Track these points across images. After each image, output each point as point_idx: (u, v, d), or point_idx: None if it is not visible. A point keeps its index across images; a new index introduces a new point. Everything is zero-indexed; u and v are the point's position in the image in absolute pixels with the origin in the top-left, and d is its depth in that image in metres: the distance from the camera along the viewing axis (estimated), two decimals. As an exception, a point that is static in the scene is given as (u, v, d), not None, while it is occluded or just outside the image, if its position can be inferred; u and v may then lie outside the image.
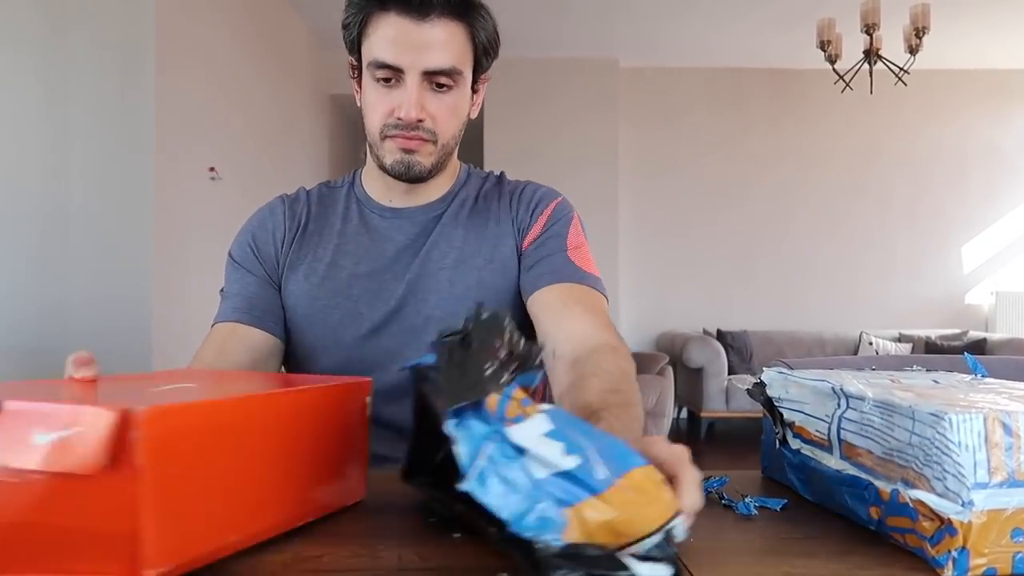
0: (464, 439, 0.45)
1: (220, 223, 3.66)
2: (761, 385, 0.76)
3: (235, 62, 3.90)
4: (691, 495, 0.50)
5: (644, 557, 0.44)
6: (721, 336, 5.53)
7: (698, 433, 5.27)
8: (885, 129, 6.01)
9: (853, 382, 0.66)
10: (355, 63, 0.98)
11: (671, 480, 0.50)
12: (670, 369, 4.70)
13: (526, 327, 0.97)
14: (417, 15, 0.90)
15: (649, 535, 0.44)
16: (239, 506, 0.53)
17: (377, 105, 0.94)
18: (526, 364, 0.49)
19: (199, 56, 3.43)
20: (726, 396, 5.07)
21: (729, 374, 5.16)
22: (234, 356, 0.98)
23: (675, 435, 5.02)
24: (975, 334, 5.52)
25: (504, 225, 1.04)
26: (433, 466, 0.57)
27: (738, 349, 5.44)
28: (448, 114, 0.95)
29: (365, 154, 1.06)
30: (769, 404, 0.75)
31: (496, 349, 0.48)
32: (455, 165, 1.09)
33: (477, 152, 6.07)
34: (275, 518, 0.57)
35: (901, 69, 4.29)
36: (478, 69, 0.99)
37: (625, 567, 0.43)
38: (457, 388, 0.46)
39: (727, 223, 6.02)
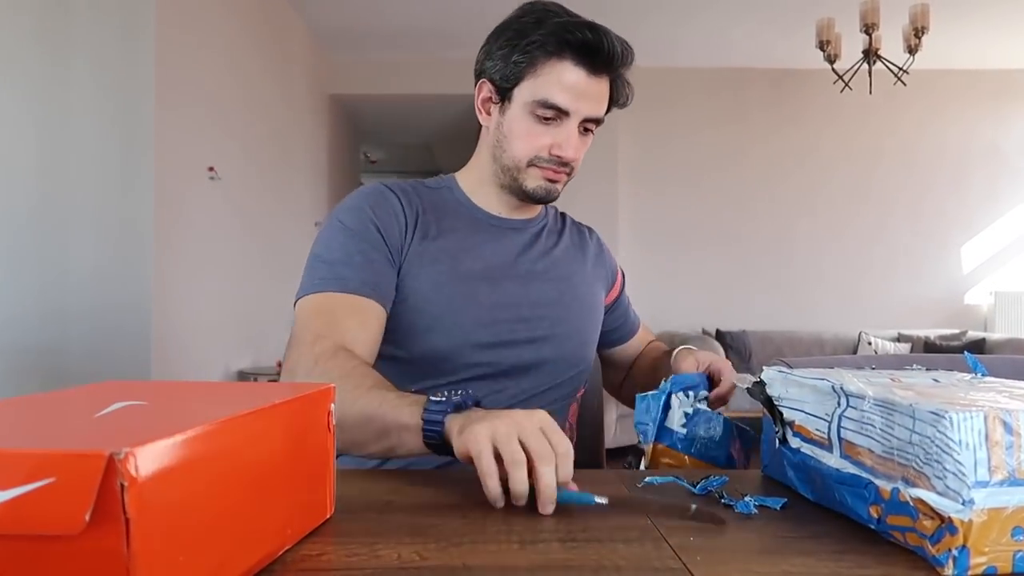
0: None
1: (220, 223, 3.66)
2: (761, 384, 0.76)
3: (234, 62, 3.90)
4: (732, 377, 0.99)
5: None
6: (720, 336, 5.53)
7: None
8: (885, 130, 6.01)
9: (853, 381, 0.66)
10: (495, 89, 1.05)
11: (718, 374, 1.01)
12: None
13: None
14: (593, 71, 1.01)
15: None
16: (227, 543, 0.47)
17: (531, 138, 1.03)
18: None
19: (199, 56, 3.43)
20: (725, 396, 5.06)
21: (728, 374, 5.16)
22: (371, 330, 0.98)
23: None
24: (974, 334, 5.52)
25: (593, 265, 1.21)
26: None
27: (737, 349, 5.45)
28: (583, 153, 1.07)
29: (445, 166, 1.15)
30: (769, 403, 0.75)
31: None
32: None
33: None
34: (261, 551, 0.51)
35: (900, 69, 4.29)
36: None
37: None
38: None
39: (726, 222, 6.02)
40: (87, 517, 0.36)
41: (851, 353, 5.62)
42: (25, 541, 0.37)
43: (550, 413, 1.06)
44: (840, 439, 0.64)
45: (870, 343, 5.57)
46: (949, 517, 0.51)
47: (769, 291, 6.01)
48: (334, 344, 0.92)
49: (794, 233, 6.03)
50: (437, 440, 0.74)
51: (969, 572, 0.51)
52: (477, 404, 0.76)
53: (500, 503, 0.66)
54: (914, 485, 0.55)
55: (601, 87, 1.03)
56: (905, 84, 4.58)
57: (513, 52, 1.01)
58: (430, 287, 1.03)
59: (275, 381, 3.70)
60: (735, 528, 0.64)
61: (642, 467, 0.93)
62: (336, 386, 0.79)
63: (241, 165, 3.94)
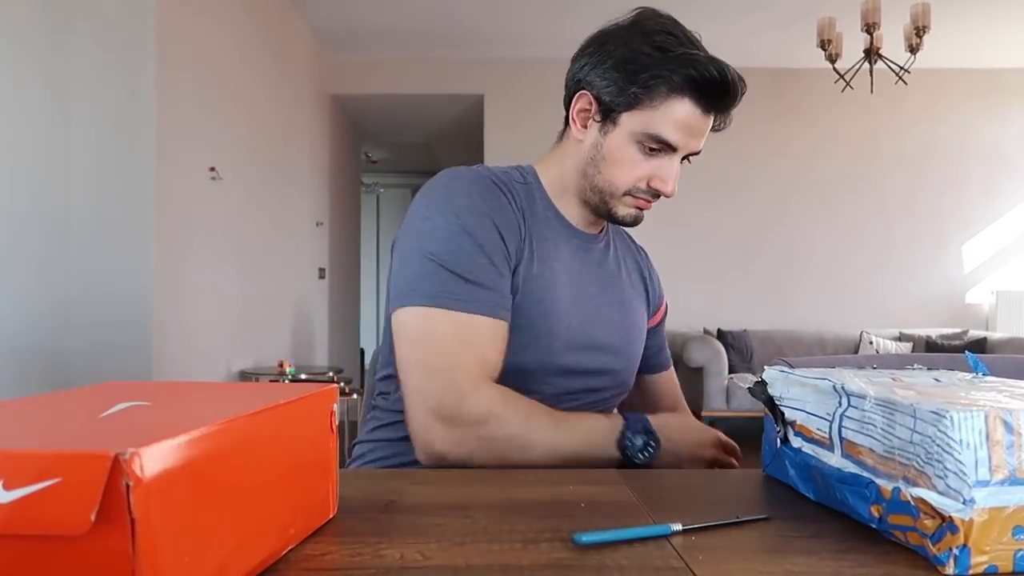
0: None
1: (221, 223, 3.67)
2: (762, 384, 0.76)
3: (236, 62, 3.90)
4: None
5: None
6: (721, 335, 5.53)
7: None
8: (886, 129, 6.01)
9: (854, 380, 0.66)
10: (599, 106, 1.00)
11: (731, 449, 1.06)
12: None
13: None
14: (708, 109, 0.97)
15: None
16: (230, 543, 0.47)
17: (633, 168, 1.00)
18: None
19: (200, 56, 3.43)
20: (727, 395, 5.07)
21: (730, 373, 5.17)
22: (503, 353, 0.96)
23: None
24: (975, 333, 5.52)
25: (639, 287, 1.19)
26: None
27: (738, 348, 5.45)
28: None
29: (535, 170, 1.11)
30: (770, 402, 0.75)
31: None
32: None
33: (477, 154, 6.07)
34: (264, 551, 0.51)
35: (902, 68, 4.29)
36: None
37: None
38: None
39: (727, 222, 6.02)
40: (93, 517, 0.35)
41: (852, 353, 5.63)
42: (31, 541, 0.37)
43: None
44: (841, 439, 0.64)
45: (871, 342, 5.57)
46: (950, 516, 0.51)
47: (770, 291, 6.01)
48: (490, 381, 0.93)
49: (796, 232, 6.03)
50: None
51: (970, 571, 0.51)
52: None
53: None
54: (915, 484, 0.55)
55: (709, 122, 1.00)
56: (906, 83, 4.58)
57: (632, 81, 0.96)
58: (532, 303, 0.99)
59: (276, 382, 3.70)
60: (737, 528, 0.64)
61: None
62: (524, 436, 0.90)
63: (243, 165, 3.95)
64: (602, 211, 1.04)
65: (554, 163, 1.08)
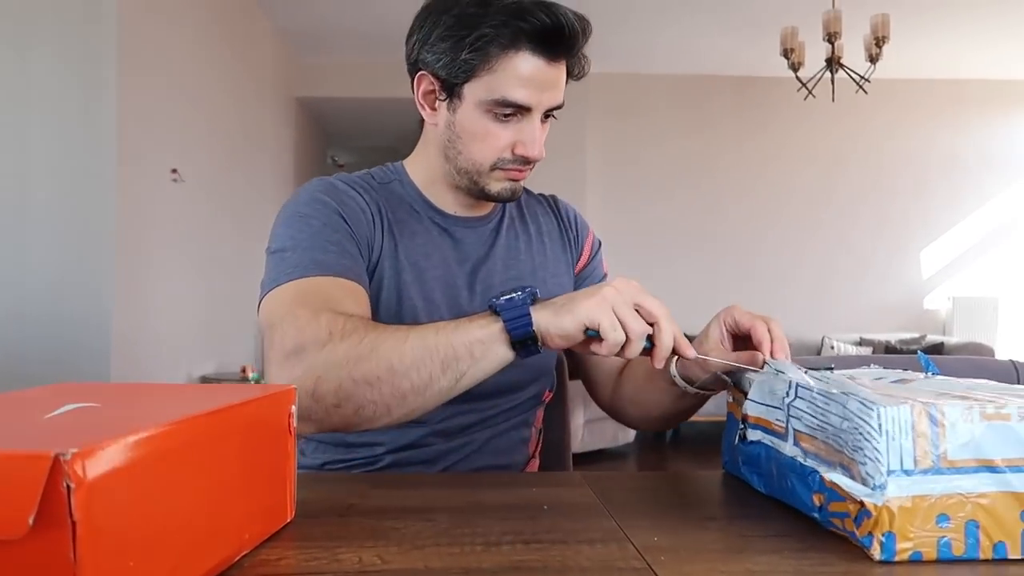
0: None
1: (184, 225, 3.60)
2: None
3: (199, 63, 3.84)
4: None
5: None
6: (688, 339, 5.57)
7: (663, 437, 5.30)
8: (848, 137, 6.12)
9: (800, 372, 0.68)
10: (440, 83, 0.93)
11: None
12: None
13: None
14: (552, 57, 0.89)
15: None
16: (179, 548, 0.45)
17: (491, 139, 0.93)
18: None
19: (162, 57, 3.37)
20: (692, 400, 5.10)
21: (695, 378, 5.20)
22: (367, 312, 0.88)
23: (640, 441, 5.05)
24: (933, 338, 5.64)
25: (557, 242, 1.11)
26: None
27: (704, 353, 5.49)
28: (544, 142, 0.96)
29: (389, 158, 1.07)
30: (739, 388, 0.77)
31: None
32: None
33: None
34: (216, 556, 0.50)
35: (862, 77, 4.37)
36: None
37: None
38: None
39: (693, 227, 6.08)
40: (31, 521, 0.34)
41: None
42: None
43: (515, 419, 1.06)
44: (791, 428, 0.65)
45: (832, 347, 5.66)
46: (861, 501, 0.54)
47: (736, 295, 6.05)
48: (337, 312, 0.81)
49: (760, 238, 6.11)
50: (528, 335, 0.73)
51: (896, 557, 0.53)
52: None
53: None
54: (848, 471, 0.57)
55: (560, 72, 0.92)
56: (867, 92, 4.67)
57: (460, 47, 0.89)
58: (396, 299, 0.95)
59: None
60: (698, 528, 0.64)
61: None
62: (370, 339, 0.75)
63: (206, 168, 3.89)
64: (475, 192, 0.98)
65: (419, 154, 1.04)
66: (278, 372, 0.79)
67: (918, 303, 6.18)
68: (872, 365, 0.76)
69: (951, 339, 5.61)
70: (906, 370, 0.70)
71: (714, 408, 1.40)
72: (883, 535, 0.53)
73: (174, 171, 3.42)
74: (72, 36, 2.89)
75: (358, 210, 0.95)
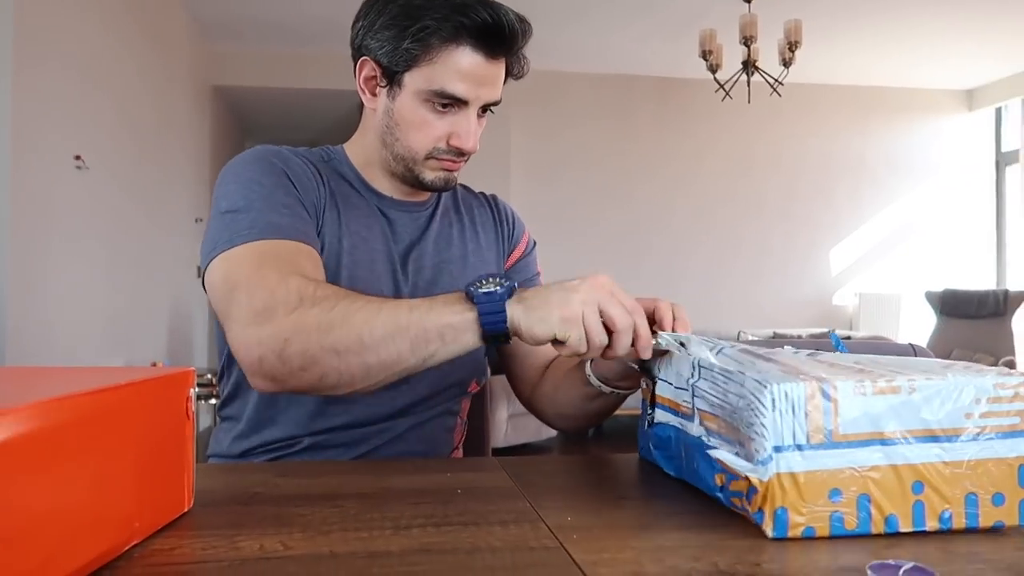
0: None
1: (88, 215, 3.43)
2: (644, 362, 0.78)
3: (106, 47, 3.66)
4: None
5: None
6: (609, 335, 5.65)
7: (584, 433, 5.36)
8: (762, 138, 6.32)
9: (703, 348, 0.69)
10: (381, 70, 0.94)
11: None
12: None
13: None
14: (491, 55, 0.92)
15: None
16: (56, 537, 0.42)
17: (427, 129, 0.95)
18: None
19: (64, 39, 3.20)
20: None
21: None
22: (322, 275, 0.88)
23: (564, 435, 5.09)
24: (841, 332, 5.89)
25: (491, 233, 1.13)
26: None
27: (625, 348, 5.58)
28: (479, 136, 0.99)
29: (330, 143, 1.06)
30: (648, 373, 0.77)
31: None
32: None
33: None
34: (100, 545, 0.46)
35: (776, 80, 4.52)
36: None
37: None
38: None
39: (612, 221, 6.16)
40: None
41: (731, 351, 5.87)
42: None
43: (440, 407, 1.04)
44: (696, 408, 0.66)
45: (749, 341, 5.84)
46: (746, 476, 0.55)
47: (651, 288, 6.18)
48: (306, 277, 0.80)
49: (678, 236, 6.24)
50: (501, 332, 0.72)
51: (789, 533, 0.54)
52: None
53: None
54: (745, 449, 0.57)
55: (499, 69, 0.95)
56: (780, 95, 4.82)
57: (403, 37, 0.91)
58: (335, 267, 0.95)
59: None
60: (611, 507, 0.64)
61: None
62: (341, 307, 0.75)
63: (113, 155, 3.71)
64: (409, 179, 0.99)
65: (358, 138, 1.05)
66: (243, 331, 0.78)
67: (828, 299, 6.43)
68: (785, 347, 0.77)
69: (857, 333, 5.87)
70: (819, 350, 0.71)
71: (633, 402, 1.42)
72: (775, 511, 0.53)
73: (78, 157, 3.25)
74: (-36, 11, 2.71)
75: (305, 176, 0.96)
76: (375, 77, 0.96)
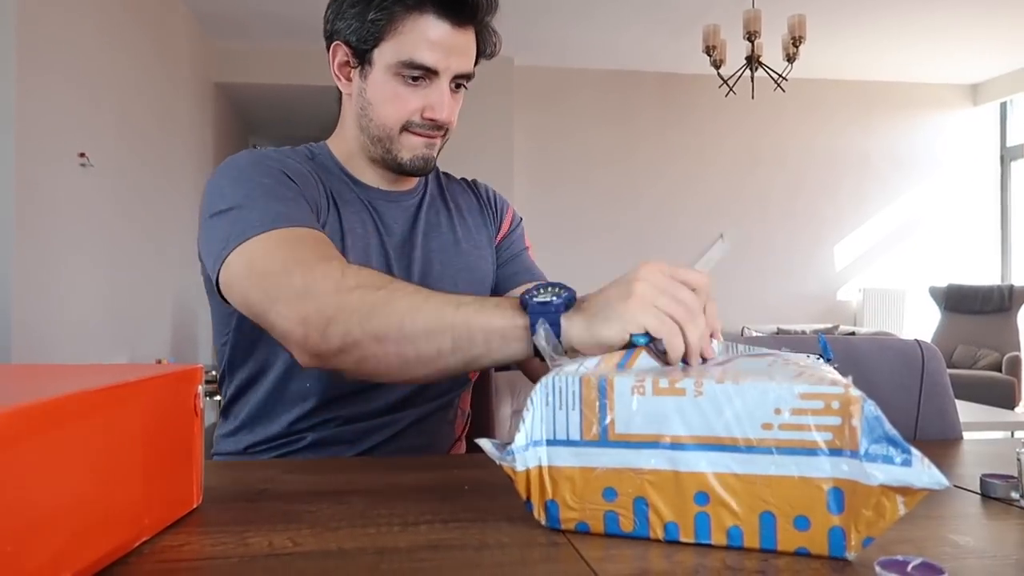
0: None
1: (92, 214, 3.44)
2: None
3: (108, 44, 3.66)
4: None
5: None
6: (612, 331, 5.65)
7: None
8: (766, 134, 6.31)
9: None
10: (352, 52, 0.96)
11: None
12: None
13: None
14: (457, 22, 0.92)
15: None
16: (66, 533, 0.42)
17: (399, 102, 0.94)
18: None
19: (67, 38, 3.20)
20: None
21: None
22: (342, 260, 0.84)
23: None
24: (845, 328, 5.88)
25: (477, 217, 1.13)
26: None
27: (629, 344, 5.58)
28: (457, 113, 0.99)
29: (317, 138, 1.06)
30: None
31: None
32: None
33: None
34: (110, 542, 0.46)
35: (780, 76, 4.50)
36: None
37: None
38: None
39: (615, 218, 6.16)
40: None
41: (735, 347, 5.87)
42: None
43: (441, 399, 1.04)
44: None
45: (753, 336, 5.84)
46: (501, 465, 0.55)
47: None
48: (340, 259, 0.79)
49: (682, 232, 6.24)
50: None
51: (562, 525, 0.54)
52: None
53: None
54: None
55: (468, 39, 0.95)
56: (784, 91, 4.81)
57: (368, 9, 0.92)
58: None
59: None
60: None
61: None
62: (386, 291, 0.72)
63: (117, 152, 3.71)
64: (389, 162, 0.99)
65: (338, 131, 1.05)
66: (287, 310, 0.75)
67: (832, 295, 6.42)
68: (784, 348, 0.74)
69: (861, 328, 5.86)
70: (809, 356, 0.66)
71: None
72: (545, 503, 0.54)
73: (82, 155, 3.25)
74: (-32, 8, 2.71)
75: (302, 174, 0.95)
76: (348, 61, 0.98)
